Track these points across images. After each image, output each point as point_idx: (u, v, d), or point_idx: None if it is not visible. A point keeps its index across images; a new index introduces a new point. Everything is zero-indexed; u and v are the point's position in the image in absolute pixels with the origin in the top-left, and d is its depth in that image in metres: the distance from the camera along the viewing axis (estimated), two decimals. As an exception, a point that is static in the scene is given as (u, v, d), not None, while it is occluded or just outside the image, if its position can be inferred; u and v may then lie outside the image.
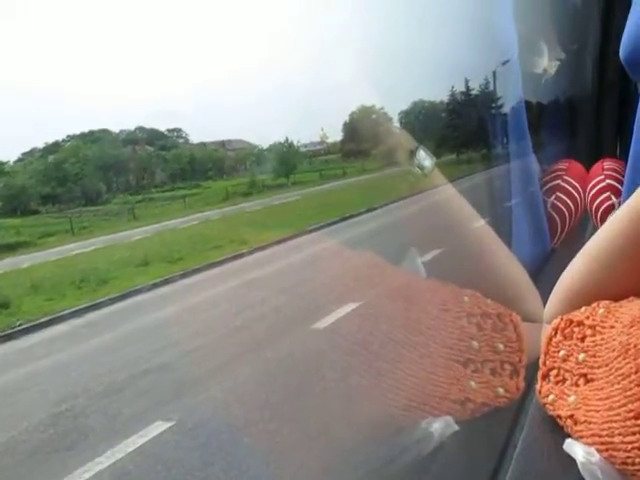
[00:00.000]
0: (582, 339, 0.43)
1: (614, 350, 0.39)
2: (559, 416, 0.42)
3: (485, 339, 0.48)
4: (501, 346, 0.48)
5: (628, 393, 0.35)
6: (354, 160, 2.43)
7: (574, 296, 0.48)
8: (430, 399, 0.44)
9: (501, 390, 0.47)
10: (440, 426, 0.43)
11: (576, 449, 0.39)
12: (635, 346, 0.37)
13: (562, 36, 2.01)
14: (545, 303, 0.54)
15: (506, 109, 1.42)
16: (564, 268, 0.56)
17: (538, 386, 0.45)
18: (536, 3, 1.82)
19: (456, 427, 0.44)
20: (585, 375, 0.42)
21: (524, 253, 1.19)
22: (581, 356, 0.43)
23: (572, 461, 0.38)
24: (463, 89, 2.49)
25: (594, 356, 0.42)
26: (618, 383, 0.37)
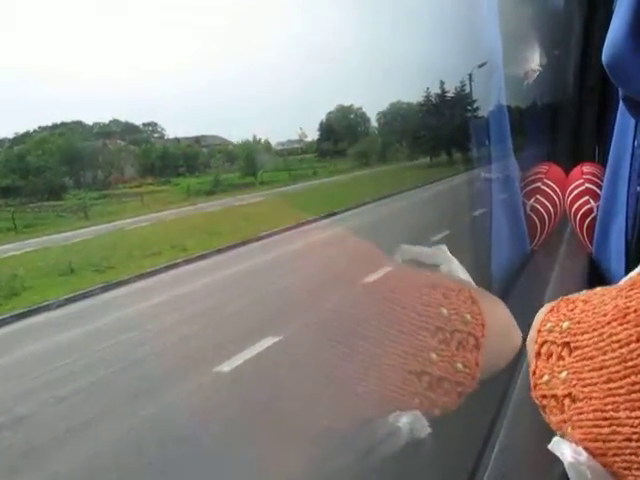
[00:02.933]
0: (572, 310, 0.41)
1: (605, 314, 0.36)
2: (554, 396, 0.39)
3: (453, 307, 0.45)
4: (468, 316, 0.45)
5: (629, 364, 0.33)
6: (329, 160, 2.43)
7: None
8: (387, 369, 0.42)
9: (460, 365, 0.44)
10: (408, 421, 0.41)
11: (564, 448, 0.37)
12: (636, 310, 0.34)
13: (545, 41, 2.03)
14: (522, 303, 0.54)
15: (483, 112, 1.43)
16: (542, 270, 0.56)
17: (533, 366, 0.42)
18: (520, 9, 1.84)
19: (425, 421, 0.42)
20: (568, 344, 0.39)
21: (503, 255, 1.20)
22: (565, 324, 0.40)
23: (555, 459, 0.37)
24: (439, 91, 2.51)
25: (578, 322, 0.39)
26: (613, 351, 0.34)
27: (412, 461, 0.46)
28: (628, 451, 0.33)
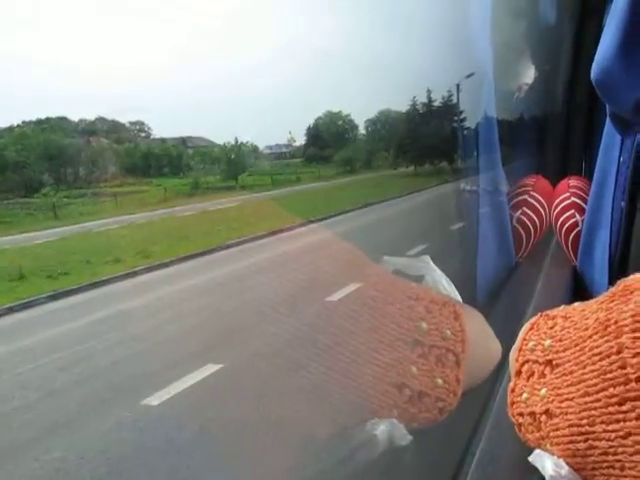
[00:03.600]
0: (552, 327, 0.40)
1: (586, 329, 0.36)
2: (532, 413, 0.39)
3: (434, 322, 0.44)
4: (448, 332, 0.44)
5: (608, 376, 0.32)
6: (315, 165, 2.41)
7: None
8: (364, 378, 0.41)
9: (440, 380, 0.43)
10: (386, 429, 0.41)
11: (545, 461, 0.37)
12: (616, 322, 0.33)
13: (535, 56, 2.05)
14: (507, 314, 0.54)
15: (470, 123, 1.44)
16: (527, 281, 0.56)
17: (511, 384, 0.42)
18: (512, 23, 1.85)
19: (403, 429, 0.42)
20: (550, 362, 0.38)
21: (489, 266, 1.20)
22: (547, 342, 0.39)
23: (534, 471, 0.37)
24: (426, 100, 2.52)
25: (560, 340, 0.38)
26: (593, 364, 0.34)
27: (390, 471, 0.46)
28: (606, 465, 0.33)
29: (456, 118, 2.04)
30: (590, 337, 0.35)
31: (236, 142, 2.01)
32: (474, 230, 1.18)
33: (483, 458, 0.52)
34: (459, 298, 0.53)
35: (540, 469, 0.37)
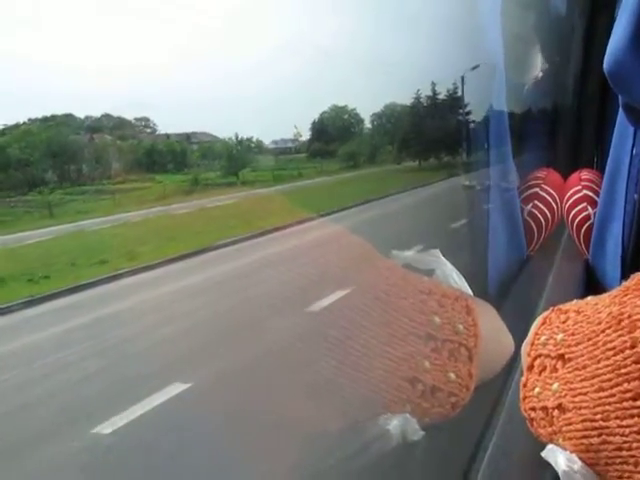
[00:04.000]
0: (564, 322, 0.40)
1: (599, 323, 0.35)
2: (544, 407, 0.39)
3: (447, 316, 0.44)
4: (461, 327, 0.44)
5: (622, 371, 0.32)
6: (320, 160, 2.39)
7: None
8: (377, 372, 0.41)
9: (452, 375, 0.43)
10: (399, 423, 0.41)
11: (557, 456, 0.36)
12: (629, 316, 0.33)
13: (546, 47, 2.03)
14: (518, 308, 0.54)
15: (479, 116, 1.43)
16: (539, 275, 0.56)
17: (524, 379, 0.42)
18: (522, 14, 1.84)
19: (416, 424, 0.42)
20: (563, 356, 0.38)
21: (500, 259, 1.20)
22: (559, 336, 0.39)
23: (547, 466, 0.37)
24: (436, 93, 2.49)
25: (573, 334, 0.38)
26: (607, 359, 0.33)
27: (403, 465, 0.46)
28: (619, 460, 0.33)
29: (461, 111, 2.02)
30: (603, 331, 0.35)
31: (237, 137, 1.99)
32: (484, 224, 1.17)
33: (495, 453, 0.52)
34: (470, 292, 0.53)
35: (553, 464, 0.37)
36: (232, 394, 0.41)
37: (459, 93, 2.02)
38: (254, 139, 2.14)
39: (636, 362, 0.32)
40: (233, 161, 1.95)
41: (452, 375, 0.44)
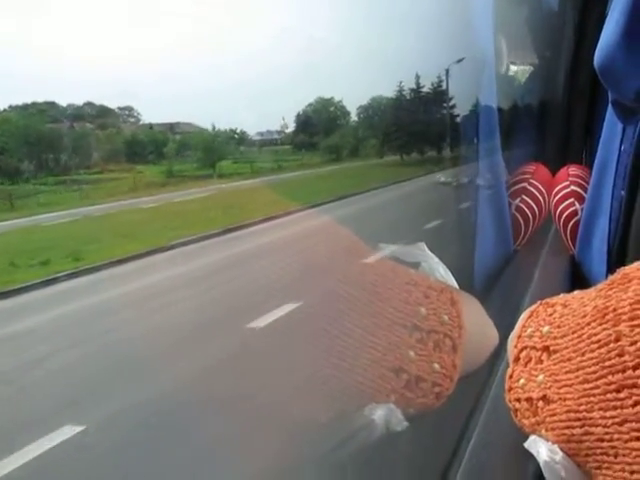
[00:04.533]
0: (551, 314, 0.41)
1: (584, 315, 0.36)
2: (529, 399, 0.39)
3: (432, 307, 0.45)
4: (446, 318, 0.45)
5: (607, 364, 0.33)
6: (304, 153, 2.36)
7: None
8: (362, 361, 0.41)
9: (437, 365, 0.44)
10: (383, 413, 0.41)
11: (539, 447, 0.37)
12: (614, 310, 0.33)
13: (537, 41, 2.04)
14: (504, 303, 0.54)
15: (466, 110, 1.43)
16: (525, 269, 0.56)
17: (509, 370, 0.43)
18: (513, 8, 1.84)
19: (400, 415, 0.42)
20: (548, 348, 0.39)
21: (487, 253, 1.20)
22: (545, 329, 0.40)
23: (530, 456, 0.37)
24: (424, 87, 2.47)
25: (558, 326, 0.39)
26: (592, 352, 0.34)
27: (385, 455, 0.46)
28: (599, 451, 0.33)
29: (445, 105, 2.01)
30: (588, 324, 0.35)
31: (213, 128, 1.95)
32: (471, 218, 1.17)
33: (478, 444, 0.52)
34: (455, 284, 0.53)
35: (535, 455, 0.37)
36: (217, 386, 0.41)
37: (443, 87, 2.01)
38: (237, 130, 2.11)
39: (620, 355, 0.32)
40: (209, 153, 1.91)
41: (436, 365, 0.44)
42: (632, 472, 0.31)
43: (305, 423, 0.41)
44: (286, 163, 2.27)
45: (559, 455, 0.36)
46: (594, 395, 0.33)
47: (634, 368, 0.31)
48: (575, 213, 1.36)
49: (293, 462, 0.40)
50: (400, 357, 0.42)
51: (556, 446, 0.36)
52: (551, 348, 0.39)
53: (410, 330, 0.43)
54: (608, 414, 0.32)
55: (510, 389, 0.42)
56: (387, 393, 0.42)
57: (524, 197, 1.44)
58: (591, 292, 0.38)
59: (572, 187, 1.41)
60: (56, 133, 1.56)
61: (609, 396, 0.32)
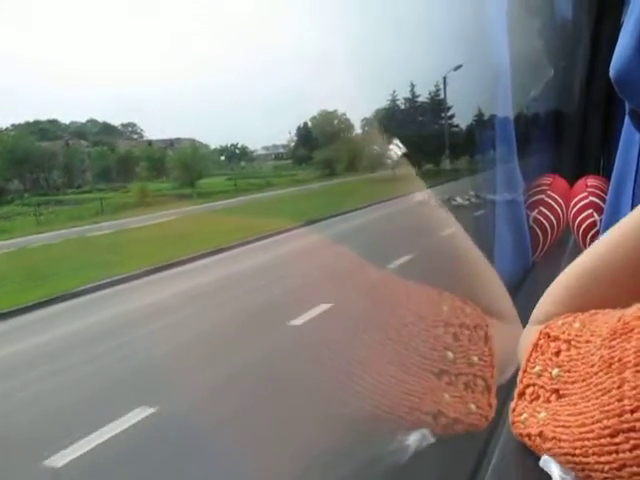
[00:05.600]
0: (557, 354, 0.42)
1: (593, 365, 0.37)
2: (529, 435, 0.40)
3: (461, 350, 0.45)
4: (475, 359, 0.46)
5: (606, 408, 0.33)
6: (305, 167, 2.31)
7: (568, 299, 0.46)
8: (399, 409, 0.42)
9: (473, 406, 0.44)
10: (416, 439, 0.41)
11: (552, 467, 0.37)
12: (620, 360, 0.34)
13: (552, 53, 2.03)
14: (523, 316, 0.54)
15: (460, 120, 1.42)
16: (544, 282, 0.55)
17: (513, 404, 0.43)
18: (528, 19, 1.84)
19: (432, 440, 0.42)
20: (557, 391, 0.40)
21: (506, 266, 1.19)
22: (555, 371, 0.41)
23: (546, 478, 0.37)
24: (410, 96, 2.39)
25: (569, 371, 0.40)
26: (596, 399, 0.35)
27: (413, 466, 0.46)
28: None
29: (442, 115, 1.98)
30: (596, 374, 0.36)
31: (192, 144, 1.90)
32: (489, 230, 1.17)
33: (499, 463, 0.52)
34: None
35: (549, 472, 0.37)
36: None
37: (441, 96, 1.99)
38: (239, 145, 2.08)
39: (619, 400, 0.32)
40: (187, 171, 1.85)
41: (473, 406, 0.45)
42: None
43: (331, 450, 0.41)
44: (277, 179, 2.22)
45: (570, 476, 0.36)
46: (588, 439, 0.34)
47: (632, 412, 0.31)
48: (594, 224, 1.34)
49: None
50: (437, 401, 0.43)
51: (569, 468, 0.36)
52: (561, 392, 0.39)
53: (438, 375, 0.44)
54: (603, 459, 0.33)
55: (513, 422, 0.43)
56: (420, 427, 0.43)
57: (542, 209, 1.42)
58: (596, 340, 0.39)
59: (590, 198, 1.39)
60: (46, 152, 1.54)
61: (603, 441, 0.33)
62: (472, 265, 0.59)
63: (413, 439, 0.41)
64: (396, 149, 0.58)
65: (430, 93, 2.21)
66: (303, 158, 2.32)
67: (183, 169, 1.81)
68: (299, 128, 2.26)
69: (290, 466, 0.41)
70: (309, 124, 2.28)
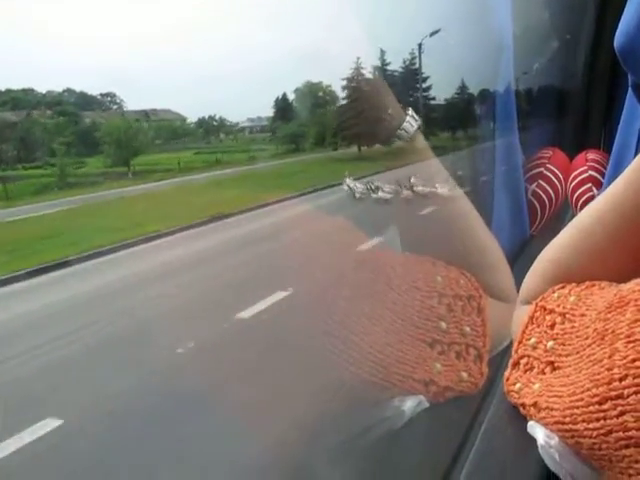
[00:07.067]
0: (552, 326, 0.43)
1: (587, 338, 0.38)
2: (523, 404, 0.41)
3: (454, 321, 0.47)
4: (468, 329, 0.47)
5: (596, 377, 0.34)
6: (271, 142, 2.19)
7: (554, 273, 0.47)
8: (393, 376, 0.43)
9: (465, 374, 0.46)
10: (412, 404, 0.43)
11: (537, 432, 0.38)
12: (613, 331, 0.35)
13: (556, 24, 2.00)
14: (520, 286, 0.54)
15: (435, 92, 1.39)
16: (541, 255, 0.55)
17: (507, 373, 0.44)
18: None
19: (427, 404, 0.44)
20: (552, 363, 0.41)
21: (503, 239, 1.19)
22: (550, 343, 0.42)
23: (534, 443, 0.38)
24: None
25: (563, 344, 0.41)
26: (587, 369, 0.36)
27: (403, 436, 0.47)
28: (595, 457, 0.35)
29: (417, 85, 1.90)
30: (589, 346, 0.37)
31: (123, 117, 1.73)
32: (487, 202, 1.16)
33: (489, 428, 0.53)
34: None
35: (536, 437, 0.39)
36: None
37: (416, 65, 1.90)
38: (216, 117, 1.98)
39: (609, 369, 0.33)
40: (121, 148, 1.68)
41: (464, 374, 0.46)
42: (630, 475, 0.32)
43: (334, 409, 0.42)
44: (232, 156, 2.08)
45: (555, 440, 0.37)
46: (577, 407, 0.35)
47: (620, 379, 0.32)
48: (593, 198, 1.33)
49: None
50: (429, 370, 0.45)
51: (553, 432, 0.37)
52: (555, 364, 0.40)
53: (431, 344, 0.45)
54: (591, 425, 0.34)
55: (508, 392, 0.44)
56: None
57: (541, 182, 1.42)
58: (591, 313, 0.39)
59: (590, 172, 1.39)
60: (2, 123, 1.43)
61: (591, 408, 0.34)
62: (476, 240, 0.60)
63: (409, 405, 0.42)
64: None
65: (405, 61, 2.07)
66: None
67: (115, 145, 1.65)
68: (277, 100, 2.15)
69: (289, 432, 0.43)
70: (285, 96, 2.15)
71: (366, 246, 0.51)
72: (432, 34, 1.27)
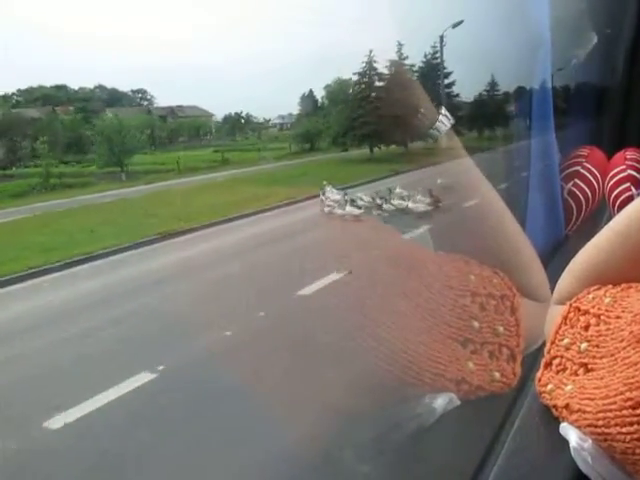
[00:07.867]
0: (586, 328, 0.42)
1: (622, 340, 0.37)
2: (555, 406, 0.41)
3: (487, 320, 0.47)
4: (501, 329, 0.47)
5: (630, 381, 0.34)
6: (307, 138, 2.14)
7: (589, 274, 0.46)
8: (425, 374, 0.43)
9: (497, 374, 0.46)
10: (443, 402, 0.43)
11: (570, 433, 0.38)
12: None
13: (596, 18, 1.96)
14: (552, 289, 0.54)
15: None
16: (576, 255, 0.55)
17: (539, 374, 0.44)
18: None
19: (458, 403, 0.44)
20: (586, 365, 0.40)
21: (537, 238, 1.18)
22: (583, 345, 0.41)
23: (566, 444, 0.38)
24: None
25: (597, 346, 0.40)
26: (621, 372, 0.35)
27: (434, 433, 0.47)
28: (629, 461, 0.34)
29: (439, 82, 1.87)
30: (624, 348, 0.36)
31: (116, 118, 1.69)
32: (522, 201, 1.15)
33: (521, 427, 0.52)
34: None
35: (568, 440, 0.38)
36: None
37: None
38: (243, 114, 1.96)
39: None
40: (113, 149, 1.64)
41: (497, 374, 0.46)
42: None
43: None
44: (251, 154, 2.02)
45: (588, 442, 0.37)
46: (610, 411, 0.34)
47: None
48: (631, 198, 1.31)
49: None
50: (461, 369, 0.45)
51: (587, 434, 0.37)
52: (589, 366, 0.40)
53: (464, 343, 0.45)
54: (625, 430, 0.33)
55: (540, 393, 0.44)
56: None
57: (577, 181, 1.40)
58: (627, 315, 0.39)
59: (629, 171, 1.36)
60: (22, 120, 1.44)
61: (625, 412, 0.33)
62: (509, 240, 0.60)
63: (440, 402, 0.42)
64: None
65: (426, 55, 2.03)
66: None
67: (108, 146, 1.61)
68: (303, 97, 2.13)
69: (321, 426, 0.43)
70: (311, 93, 2.13)
71: (400, 244, 0.51)
72: (454, 26, 1.25)
